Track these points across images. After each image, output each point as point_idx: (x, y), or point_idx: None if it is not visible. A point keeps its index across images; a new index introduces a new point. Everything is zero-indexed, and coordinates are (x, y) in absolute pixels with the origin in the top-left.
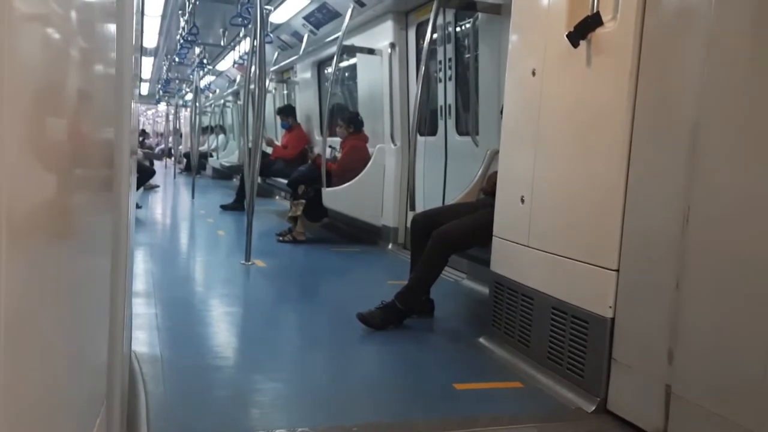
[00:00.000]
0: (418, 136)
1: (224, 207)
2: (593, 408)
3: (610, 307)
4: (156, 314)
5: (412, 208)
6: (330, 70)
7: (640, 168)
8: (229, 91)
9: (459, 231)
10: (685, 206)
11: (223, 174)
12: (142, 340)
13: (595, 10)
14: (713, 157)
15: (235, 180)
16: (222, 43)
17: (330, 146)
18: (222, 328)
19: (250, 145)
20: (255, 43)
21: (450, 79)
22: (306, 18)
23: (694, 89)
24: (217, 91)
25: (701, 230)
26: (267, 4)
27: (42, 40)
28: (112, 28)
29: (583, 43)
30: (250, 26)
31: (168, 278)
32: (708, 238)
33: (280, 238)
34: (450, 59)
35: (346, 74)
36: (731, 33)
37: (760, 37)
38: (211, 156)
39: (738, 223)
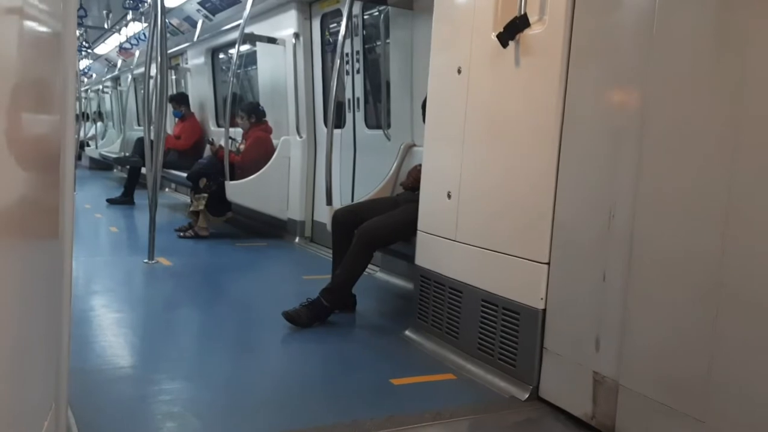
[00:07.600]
0: (325, 129)
1: (111, 201)
2: (527, 396)
3: (542, 298)
4: None
5: (329, 202)
6: (224, 56)
7: (569, 165)
8: (108, 76)
9: (385, 227)
10: (612, 202)
11: (102, 164)
12: None
13: (522, 12)
14: (638, 155)
15: (116, 171)
16: (106, 26)
17: (231, 138)
18: (141, 335)
19: (151, 137)
20: (155, 32)
21: (358, 72)
22: (201, 3)
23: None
24: (94, 75)
25: (625, 225)
26: None
27: None
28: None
29: (511, 43)
30: (140, 10)
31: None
32: (631, 232)
33: (181, 234)
34: (358, 52)
35: (241, 61)
36: (664, 34)
37: (688, 36)
38: (88, 145)
39: (661, 218)
